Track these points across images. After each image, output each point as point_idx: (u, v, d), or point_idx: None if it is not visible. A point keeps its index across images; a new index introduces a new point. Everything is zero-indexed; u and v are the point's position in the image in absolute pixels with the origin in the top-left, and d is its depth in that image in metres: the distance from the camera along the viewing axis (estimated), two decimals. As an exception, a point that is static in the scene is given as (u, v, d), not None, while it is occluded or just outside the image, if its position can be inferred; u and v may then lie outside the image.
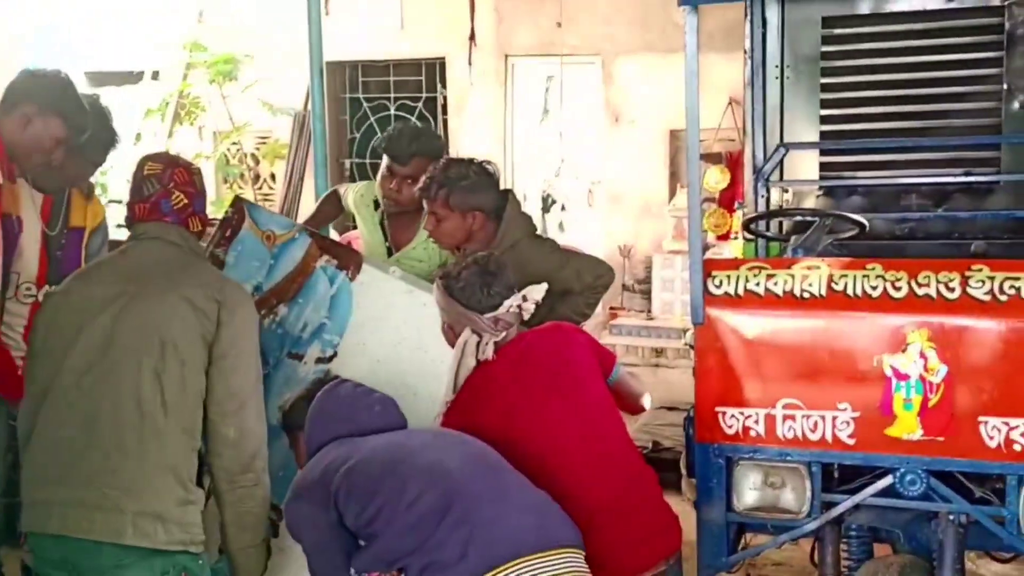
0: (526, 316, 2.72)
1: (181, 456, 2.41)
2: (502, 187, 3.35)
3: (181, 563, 2.38)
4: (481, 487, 2.34)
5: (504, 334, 2.68)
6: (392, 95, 9.11)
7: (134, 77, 9.73)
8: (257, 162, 9.62)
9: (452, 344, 2.71)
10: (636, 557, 2.55)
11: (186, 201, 2.57)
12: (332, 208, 3.85)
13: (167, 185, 2.56)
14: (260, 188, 9.62)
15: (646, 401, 2.94)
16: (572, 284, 3.22)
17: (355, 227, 3.89)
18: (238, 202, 3.37)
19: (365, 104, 9.19)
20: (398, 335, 3.04)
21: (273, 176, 9.57)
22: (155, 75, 9.58)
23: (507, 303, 2.68)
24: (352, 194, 3.78)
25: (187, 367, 2.41)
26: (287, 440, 2.77)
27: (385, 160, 3.57)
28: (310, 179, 8.77)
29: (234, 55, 8.88)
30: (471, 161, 3.27)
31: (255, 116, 9.04)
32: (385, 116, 9.11)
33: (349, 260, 3.24)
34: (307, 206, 8.71)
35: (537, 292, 2.73)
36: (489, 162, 3.31)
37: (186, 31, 9.21)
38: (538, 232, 3.45)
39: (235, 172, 9.46)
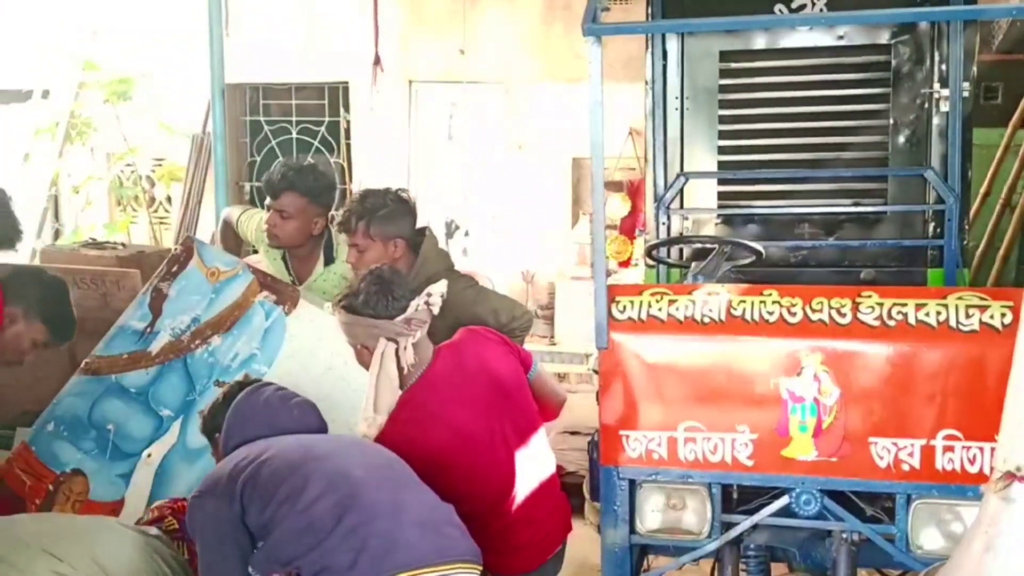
0: (435, 311, 2.75)
1: None
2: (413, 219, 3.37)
3: None
4: (381, 498, 2.35)
5: (419, 333, 2.70)
6: (294, 118, 9.02)
7: (23, 95, 9.42)
8: (153, 184, 9.40)
9: (365, 363, 2.71)
10: (543, 550, 2.82)
11: (176, 527, 2.77)
12: (233, 238, 3.84)
13: (164, 512, 2.79)
14: (156, 211, 9.40)
15: (562, 399, 3.06)
16: (488, 322, 3.24)
17: (255, 252, 3.86)
18: (188, 240, 3.58)
19: (266, 127, 9.08)
20: (325, 365, 3.12)
21: (169, 199, 9.36)
22: (45, 94, 9.29)
23: (413, 303, 2.72)
24: (252, 224, 3.76)
25: None
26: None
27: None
28: (207, 202, 8.63)
29: (130, 76, 8.69)
30: (387, 191, 3.31)
31: (151, 137, 8.84)
32: (287, 139, 9.02)
33: (286, 296, 3.41)
34: (204, 229, 8.56)
35: (439, 287, 2.78)
36: (404, 190, 3.36)
37: (80, 49, 8.97)
38: (455, 268, 3.46)
39: (129, 194, 9.23)
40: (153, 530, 2.71)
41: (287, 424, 2.59)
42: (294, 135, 9.02)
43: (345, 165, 8.81)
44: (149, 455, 3.29)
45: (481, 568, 2.40)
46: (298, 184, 3.51)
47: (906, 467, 2.74)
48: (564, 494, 2.97)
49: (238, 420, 2.62)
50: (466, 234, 8.71)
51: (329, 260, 3.63)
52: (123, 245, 7.86)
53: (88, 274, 4.34)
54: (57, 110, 9.08)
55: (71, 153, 9.23)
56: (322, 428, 2.66)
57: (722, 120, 4.13)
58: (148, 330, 3.43)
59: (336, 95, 8.85)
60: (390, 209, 3.23)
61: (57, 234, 9.52)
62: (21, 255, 8.94)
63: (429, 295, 2.75)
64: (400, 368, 2.69)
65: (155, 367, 3.38)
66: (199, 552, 2.44)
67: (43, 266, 3.17)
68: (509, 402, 2.80)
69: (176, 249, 3.61)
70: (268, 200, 3.58)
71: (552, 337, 7.83)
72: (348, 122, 8.82)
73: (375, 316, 2.70)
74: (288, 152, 8.96)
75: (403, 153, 8.68)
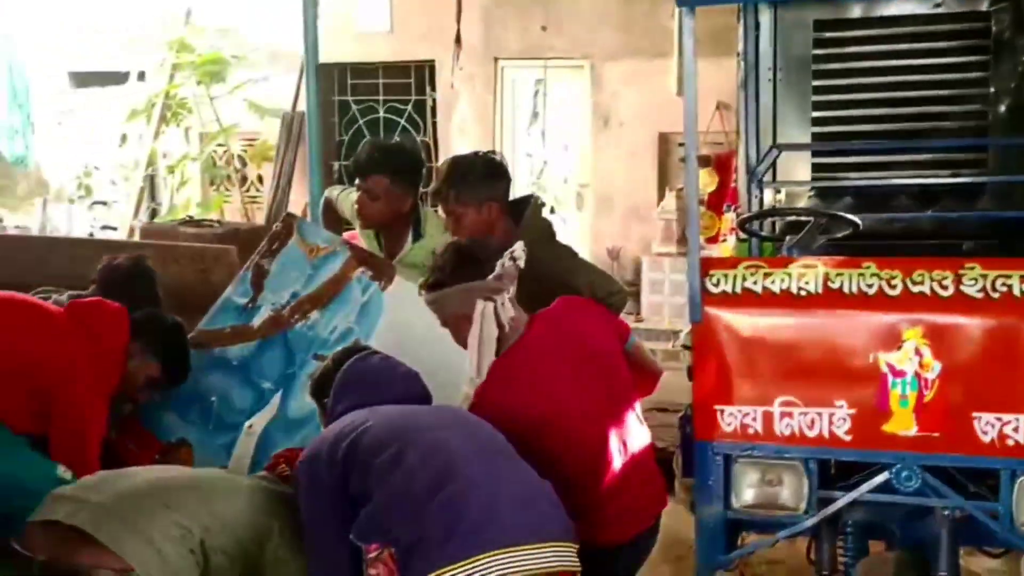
0: (521, 265, 2.79)
1: None
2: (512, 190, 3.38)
3: None
4: (479, 472, 2.36)
5: (512, 288, 2.74)
6: (381, 98, 9.12)
7: (119, 78, 9.70)
8: (244, 164, 9.60)
9: (462, 339, 2.74)
10: (635, 523, 2.81)
11: (288, 472, 2.81)
12: (334, 216, 3.91)
13: (279, 460, 2.89)
14: (247, 190, 9.61)
15: (658, 372, 3.06)
16: (583, 295, 3.24)
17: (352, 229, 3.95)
18: (288, 218, 3.68)
19: (354, 107, 9.20)
20: (421, 339, 3.14)
21: (260, 178, 9.56)
22: (141, 76, 9.56)
23: (499, 263, 2.77)
24: (348, 203, 3.82)
25: None
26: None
27: None
28: (297, 181, 8.80)
29: (222, 55, 8.87)
30: (476, 154, 3.31)
31: (242, 118, 9.03)
32: (374, 119, 9.12)
33: (383, 272, 3.47)
34: (294, 208, 8.72)
35: (519, 249, 2.81)
36: (494, 152, 3.35)
37: (174, 31, 9.19)
38: (556, 238, 3.46)
39: (222, 174, 9.45)
40: (268, 477, 2.79)
41: (391, 392, 2.63)
42: (381, 114, 9.12)
43: (432, 144, 8.88)
44: (250, 426, 3.38)
45: (577, 546, 2.40)
46: (384, 164, 3.54)
47: (1011, 442, 2.68)
48: (659, 469, 2.96)
49: (344, 387, 2.68)
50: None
51: (417, 236, 3.67)
52: (218, 223, 8.10)
53: (188, 251, 4.48)
54: (152, 92, 9.33)
55: (167, 134, 9.48)
56: (425, 397, 2.71)
57: (816, 91, 4.05)
58: (250, 305, 3.52)
59: (422, 74, 8.91)
60: (478, 173, 3.23)
61: (154, 213, 9.81)
62: (120, 232, 9.26)
63: (512, 252, 2.78)
64: (500, 326, 2.71)
65: (256, 341, 3.48)
66: (303, 515, 2.50)
67: (165, 316, 3.29)
68: (604, 372, 2.80)
69: (276, 227, 3.69)
70: (357, 181, 3.62)
71: (638, 314, 7.80)
72: (434, 101, 8.89)
73: (466, 281, 2.75)
74: (375, 131, 9.06)
75: (488, 131, 8.71)
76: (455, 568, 2.22)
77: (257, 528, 2.55)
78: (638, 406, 2.92)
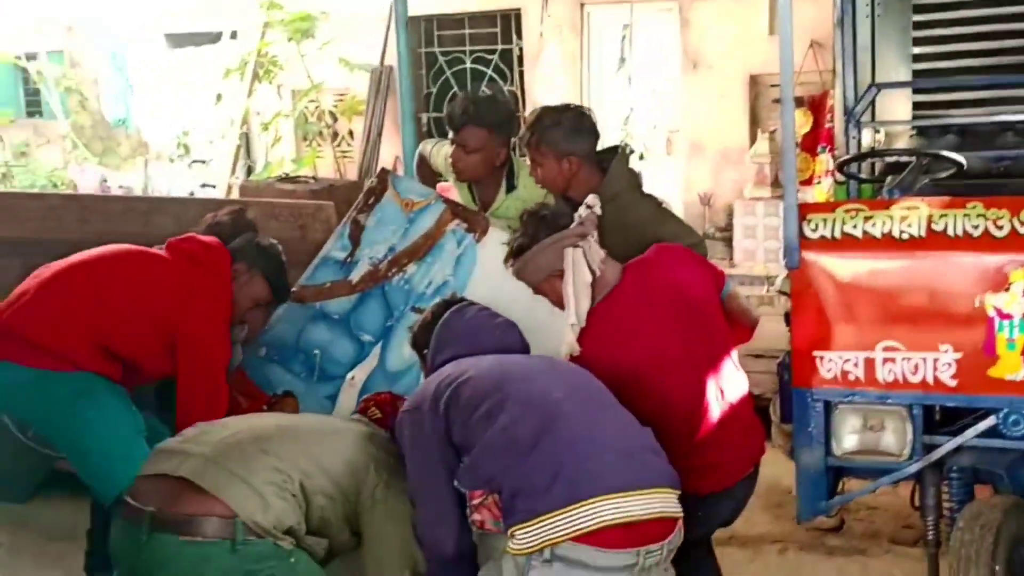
0: (599, 212, 2.81)
1: None
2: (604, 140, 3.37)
3: None
4: (579, 422, 2.38)
5: (595, 233, 2.77)
6: (468, 48, 9.09)
7: (213, 37, 9.88)
8: (335, 119, 9.71)
9: (558, 296, 2.77)
10: (732, 472, 2.79)
11: (380, 416, 2.88)
12: (428, 171, 3.94)
13: (368, 404, 2.95)
14: (339, 145, 9.72)
15: (755, 320, 3.03)
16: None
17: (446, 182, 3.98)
18: (383, 173, 3.72)
19: (441, 58, 9.20)
20: (515, 292, 3.16)
21: (351, 133, 9.66)
22: (233, 35, 9.72)
23: (576, 216, 2.79)
24: (441, 155, 3.85)
25: None
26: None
27: None
28: (387, 135, 8.87)
29: (310, 13, 8.95)
30: (566, 107, 3.30)
31: (332, 74, 9.12)
32: (461, 70, 9.11)
33: (477, 224, 3.48)
34: (384, 162, 8.81)
35: (592, 198, 2.84)
36: (585, 108, 3.33)
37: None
38: (643, 189, 3.44)
39: (314, 130, 9.57)
40: (362, 420, 2.86)
41: (490, 343, 2.67)
42: (468, 65, 9.10)
43: (519, 93, 8.85)
44: (352, 378, 3.46)
45: (679, 491, 2.41)
46: (478, 116, 3.54)
47: None
48: (757, 417, 2.95)
49: (444, 337, 2.72)
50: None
51: (511, 187, 3.68)
52: (313, 179, 8.23)
53: (286, 207, 4.56)
54: (245, 50, 9.49)
55: (260, 91, 9.64)
56: (524, 348, 2.74)
57: (916, 26, 3.93)
58: (348, 260, 3.59)
59: (508, 23, 8.85)
60: (563, 126, 3.22)
61: (249, 170, 10.02)
62: (219, 190, 9.49)
63: (587, 203, 2.80)
64: (592, 270, 2.73)
65: (355, 295, 3.54)
66: (408, 463, 2.56)
67: (261, 237, 3.38)
68: (700, 320, 2.78)
69: (371, 182, 3.73)
70: (451, 135, 3.64)
71: (730, 259, 7.70)
72: (520, 49, 8.83)
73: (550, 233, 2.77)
74: (462, 82, 9.06)
75: (575, 78, 8.63)
76: (557, 514, 2.25)
77: (354, 470, 2.62)
78: (735, 354, 2.90)
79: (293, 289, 3.54)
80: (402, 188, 3.63)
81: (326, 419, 2.99)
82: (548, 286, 2.82)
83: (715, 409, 2.77)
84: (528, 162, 3.39)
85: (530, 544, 2.26)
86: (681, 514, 2.39)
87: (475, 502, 2.40)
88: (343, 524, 2.61)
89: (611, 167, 3.24)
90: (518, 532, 2.28)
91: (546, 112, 3.28)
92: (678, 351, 2.73)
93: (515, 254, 2.84)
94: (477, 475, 2.39)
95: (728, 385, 2.83)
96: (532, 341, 2.81)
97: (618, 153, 3.30)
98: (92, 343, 3.07)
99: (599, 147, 3.30)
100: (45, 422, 3.12)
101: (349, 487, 2.61)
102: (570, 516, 2.25)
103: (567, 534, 2.24)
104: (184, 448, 2.58)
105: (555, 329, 2.79)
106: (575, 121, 3.23)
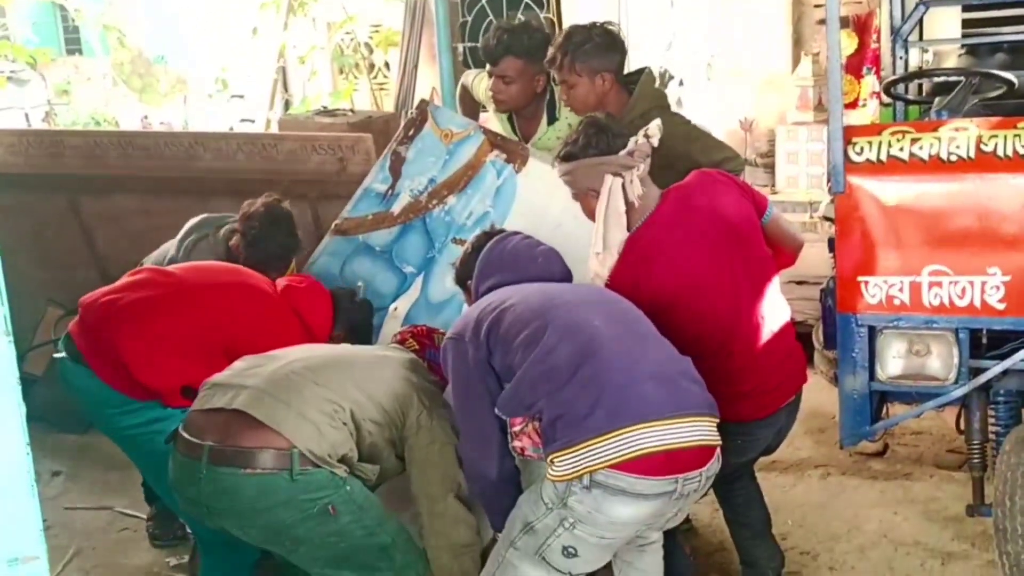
0: (655, 143, 2.76)
1: None
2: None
3: None
4: (619, 350, 2.39)
5: (643, 166, 2.73)
6: (503, -26, 8.94)
7: (248, -29, 9.80)
8: (371, 51, 9.64)
9: (592, 212, 2.77)
10: (774, 399, 2.82)
11: (417, 348, 2.94)
12: (471, 102, 3.92)
13: (406, 335, 3.02)
14: (375, 77, 9.66)
15: (799, 243, 3.02)
16: (699, 159, 3.20)
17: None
18: (423, 104, 3.74)
19: (476, -14, 9.06)
20: (555, 222, 3.19)
21: (387, 65, 9.59)
22: (267, -33, 9.63)
23: (632, 139, 2.74)
24: (482, 86, 3.82)
25: None
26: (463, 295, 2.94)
27: None
28: (423, 66, 8.80)
29: (344, -57, 8.84)
30: (593, 25, 3.28)
31: (367, 4, 9.03)
32: (497, -3, 8.98)
33: (516, 155, 3.49)
34: (421, 93, 8.74)
35: (655, 124, 2.78)
36: (611, 23, 3.31)
37: (295, -79, 9.18)
38: (670, 107, 3.41)
39: (350, 62, 9.51)
40: (402, 348, 2.91)
41: (532, 271, 2.68)
42: (503, -9, 8.96)
43: (555, 19, 8.71)
44: (395, 308, 3.50)
45: (717, 419, 2.42)
46: (514, 46, 3.51)
47: None
48: (799, 344, 2.94)
49: (487, 267, 2.73)
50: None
51: (552, 119, 3.66)
52: (351, 111, 8.20)
53: (325, 140, 4.57)
54: (279, -17, 9.40)
55: (295, 24, 9.58)
56: (566, 276, 2.74)
57: (967, -59, 3.81)
58: (389, 192, 3.60)
59: (544, -53, 8.69)
60: (595, 43, 3.20)
61: (287, 104, 10.00)
62: (258, 124, 9.51)
63: (647, 130, 2.76)
64: (628, 202, 2.71)
65: (397, 226, 3.56)
66: (452, 391, 2.61)
67: (356, 295, 3.34)
68: (741, 246, 2.77)
69: (411, 113, 3.74)
70: (488, 67, 3.61)
71: (773, 186, 7.60)
72: (558, -26, 8.67)
73: (598, 154, 2.74)
74: (498, 10, 8.93)
75: (614, 3, 8.47)
76: (596, 441, 2.27)
77: (400, 397, 2.67)
78: (777, 281, 2.89)
79: (336, 222, 3.56)
80: (441, 119, 3.62)
81: (371, 349, 3.03)
82: (584, 200, 2.83)
83: (755, 335, 2.77)
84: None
85: (570, 471, 2.29)
86: (719, 442, 2.41)
87: (516, 429, 2.43)
88: (390, 450, 2.67)
89: (638, 86, 3.22)
90: (557, 459, 2.31)
91: (575, 30, 3.26)
92: (715, 276, 2.72)
93: (563, 157, 2.82)
94: (517, 402, 2.42)
95: (769, 312, 2.82)
96: (575, 269, 2.81)
97: (644, 74, 3.28)
98: (182, 383, 2.98)
99: (626, 69, 3.28)
100: (115, 436, 3.19)
101: (395, 414, 2.66)
102: (609, 444, 2.27)
103: (606, 462, 2.27)
104: (237, 381, 2.62)
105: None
106: (605, 37, 3.21)
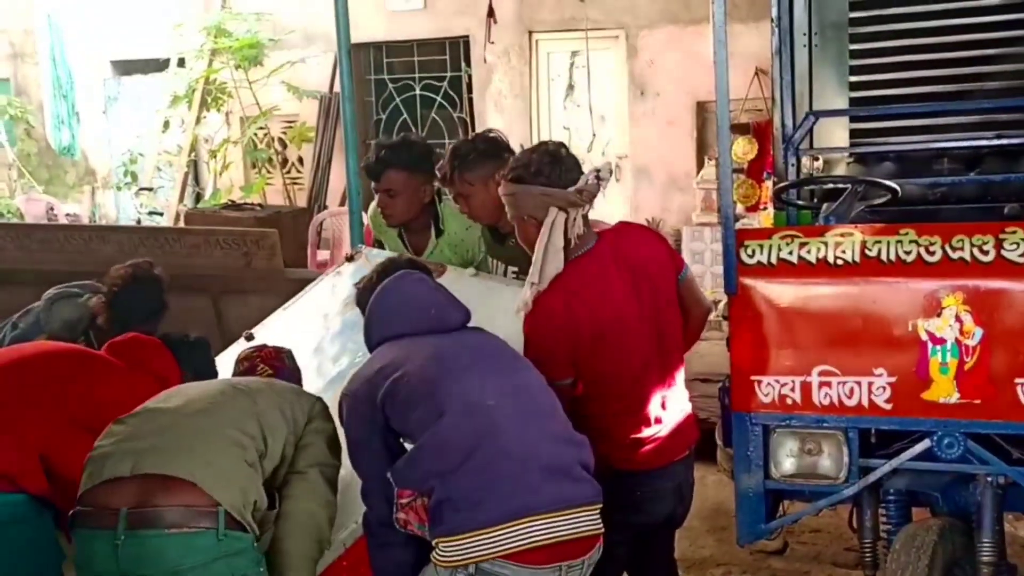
0: (604, 187, 2.81)
1: None
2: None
3: None
4: (515, 435, 2.39)
5: (588, 207, 2.78)
6: (417, 75, 9.12)
7: (160, 65, 9.80)
8: (285, 146, 9.68)
9: (530, 238, 2.79)
10: (668, 450, 2.87)
11: (271, 372, 2.88)
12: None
13: (255, 362, 2.92)
14: (288, 172, 9.68)
15: (708, 308, 3.11)
16: None
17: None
18: (354, 250, 3.80)
19: (390, 85, 9.22)
20: (472, 318, 3.14)
21: (301, 160, 9.63)
22: (181, 62, 9.65)
23: (583, 177, 2.77)
24: (370, 213, 3.84)
25: None
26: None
27: None
28: (337, 162, 8.86)
29: (258, 39, 8.93)
30: (476, 136, 3.38)
31: (281, 100, 9.10)
32: (411, 96, 9.14)
33: (433, 272, 3.34)
34: (334, 190, 8.78)
35: (606, 169, 2.83)
36: (492, 130, 3.41)
37: (211, 18, 9.26)
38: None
39: (263, 157, 9.52)
40: (260, 377, 2.82)
41: (425, 324, 2.61)
42: (417, 91, 9.13)
43: (468, 120, 8.88)
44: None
45: (601, 505, 2.45)
46: (395, 160, 3.55)
47: (1055, 408, 2.64)
48: (691, 403, 3.01)
49: (378, 315, 2.65)
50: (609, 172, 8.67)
51: (439, 232, 3.66)
52: (260, 206, 8.18)
53: (230, 235, 4.54)
54: (192, 77, 9.42)
55: (207, 119, 9.57)
56: (464, 319, 2.67)
57: (853, 55, 3.98)
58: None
59: (457, 50, 8.90)
60: (479, 151, 3.27)
61: (198, 197, 9.93)
62: (165, 219, 9.38)
63: (599, 171, 2.80)
64: (567, 240, 2.74)
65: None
66: (348, 446, 2.57)
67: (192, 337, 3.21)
68: (658, 295, 2.85)
69: (348, 253, 3.82)
70: (372, 184, 3.62)
71: (679, 284, 7.76)
72: (470, 76, 8.87)
73: (548, 184, 2.76)
74: (412, 109, 9.08)
75: (525, 105, 8.69)
76: (484, 533, 2.29)
77: (276, 428, 2.59)
78: (680, 334, 2.95)
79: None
80: (371, 257, 3.62)
81: (232, 382, 2.82)
82: (521, 225, 2.85)
83: (664, 382, 2.86)
84: (453, 203, 3.41)
85: (456, 559, 2.30)
86: (602, 530, 2.45)
87: (403, 501, 2.41)
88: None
89: None
90: (444, 545, 2.31)
91: (459, 145, 3.36)
92: (638, 318, 2.80)
93: (511, 178, 2.82)
94: (409, 475, 2.40)
95: (675, 365, 2.92)
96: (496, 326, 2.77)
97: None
98: (34, 457, 2.74)
99: None
100: None
101: (290, 442, 2.60)
102: (496, 536, 2.29)
103: (493, 553, 2.29)
104: (129, 447, 2.48)
105: (516, 330, 2.79)
106: (488, 144, 3.28)
